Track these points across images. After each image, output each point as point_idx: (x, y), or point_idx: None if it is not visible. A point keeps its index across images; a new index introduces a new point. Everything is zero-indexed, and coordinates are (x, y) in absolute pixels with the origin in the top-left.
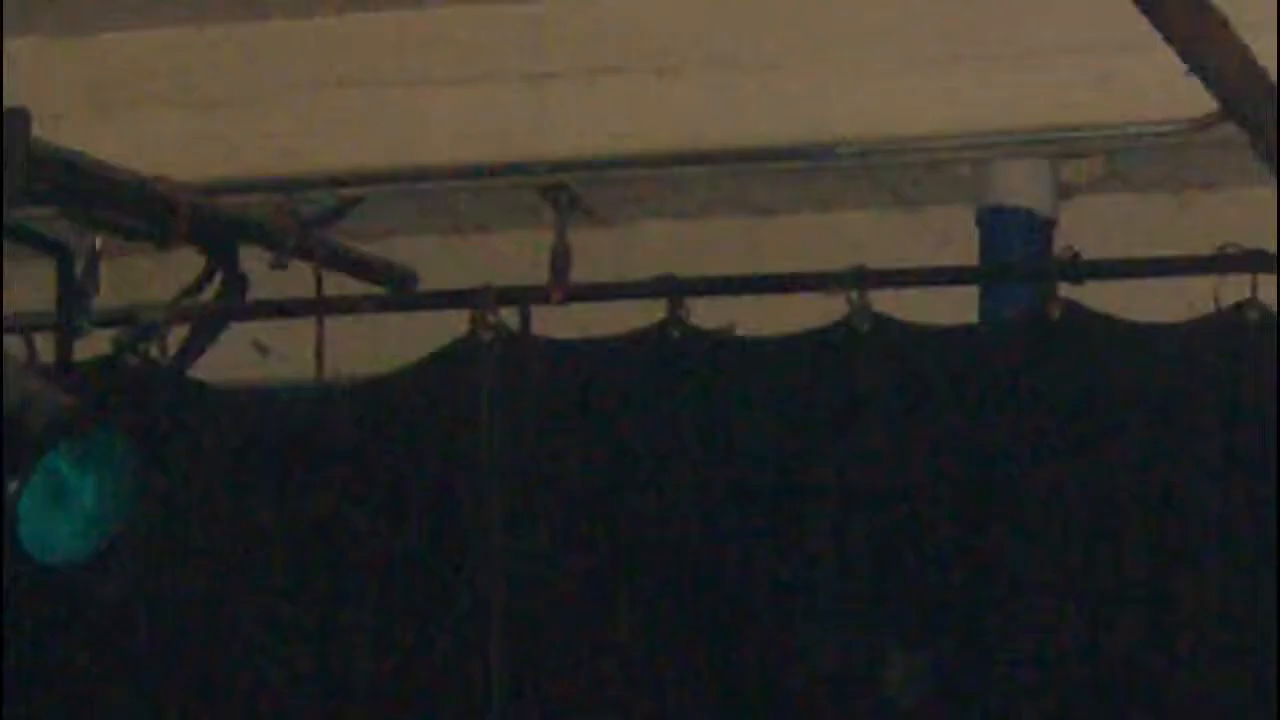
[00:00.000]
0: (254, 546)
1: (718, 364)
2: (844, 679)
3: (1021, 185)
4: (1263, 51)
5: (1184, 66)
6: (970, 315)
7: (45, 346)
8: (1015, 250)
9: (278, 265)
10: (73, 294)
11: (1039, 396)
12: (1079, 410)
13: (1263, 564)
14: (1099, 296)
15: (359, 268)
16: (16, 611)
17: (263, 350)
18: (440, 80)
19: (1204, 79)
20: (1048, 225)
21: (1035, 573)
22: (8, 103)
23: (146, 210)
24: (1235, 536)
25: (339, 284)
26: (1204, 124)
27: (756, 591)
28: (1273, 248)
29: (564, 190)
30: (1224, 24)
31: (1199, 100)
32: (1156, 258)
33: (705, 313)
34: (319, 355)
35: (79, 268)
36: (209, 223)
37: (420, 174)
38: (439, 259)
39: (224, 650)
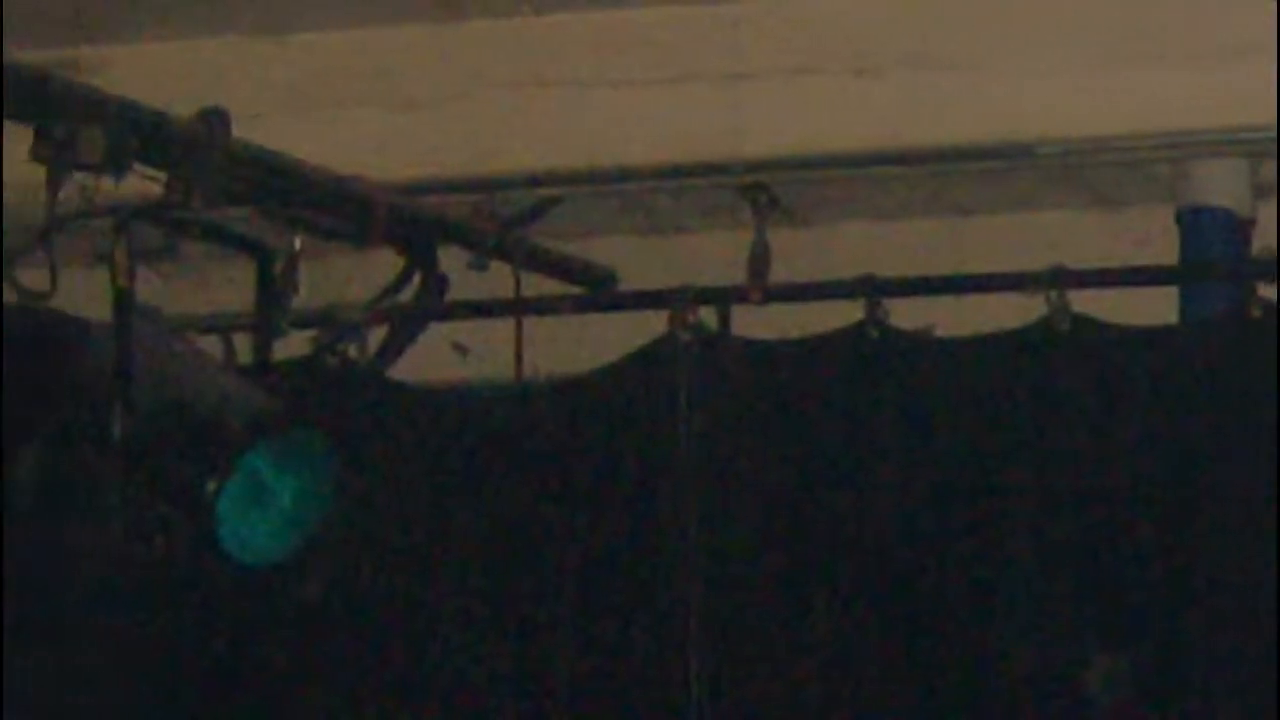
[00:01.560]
0: (453, 546)
1: (916, 364)
2: (1043, 680)
3: (1221, 185)
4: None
5: None
6: (1170, 315)
7: (244, 347)
8: (1215, 250)
9: (476, 265)
10: (272, 294)
11: (1239, 396)
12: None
13: None
14: None
15: (557, 268)
16: (215, 611)
17: (462, 351)
18: (639, 80)
19: None
20: (1246, 225)
21: (1236, 573)
22: (207, 102)
23: (345, 210)
24: None
25: (537, 284)
26: None
27: (955, 592)
28: None
29: (762, 190)
30: None
31: None
32: None
33: (903, 313)
34: (518, 355)
35: (278, 268)
36: (408, 223)
37: (619, 174)
38: (637, 259)
39: (423, 650)
